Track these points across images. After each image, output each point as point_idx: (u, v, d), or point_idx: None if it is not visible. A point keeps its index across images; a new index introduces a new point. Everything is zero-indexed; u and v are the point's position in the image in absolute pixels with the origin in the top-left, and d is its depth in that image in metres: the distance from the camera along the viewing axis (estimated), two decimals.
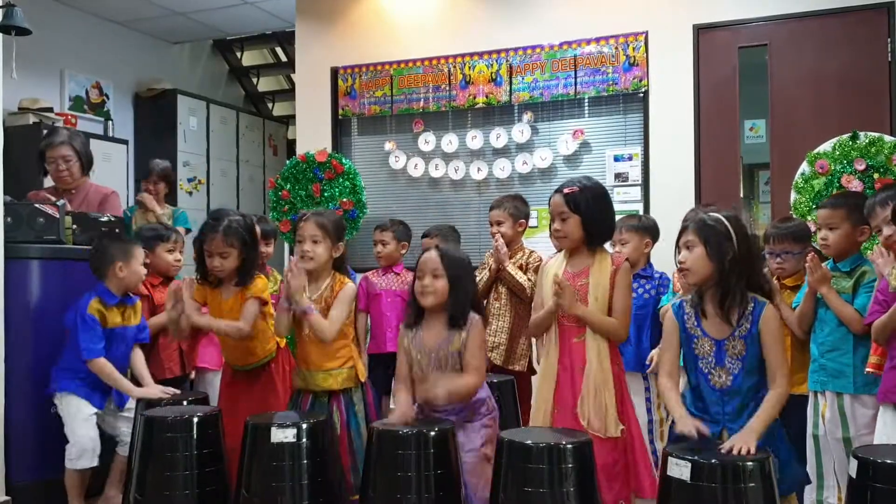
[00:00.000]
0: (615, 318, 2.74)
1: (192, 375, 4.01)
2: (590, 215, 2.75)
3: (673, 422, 2.54)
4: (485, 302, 3.99)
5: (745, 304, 2.45)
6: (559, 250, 2.96)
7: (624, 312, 2.74)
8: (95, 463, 3.48)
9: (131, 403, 3.61)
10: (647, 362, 3.60)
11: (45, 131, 5.06)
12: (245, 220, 3.26)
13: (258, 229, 4.05)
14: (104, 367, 3.42)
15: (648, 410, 3.68)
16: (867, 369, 2.86)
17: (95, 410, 3.50)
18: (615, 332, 2.74)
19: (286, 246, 5.72)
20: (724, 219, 2.50)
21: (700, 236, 2.48)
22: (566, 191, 2.78)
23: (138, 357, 3.61)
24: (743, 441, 2.26)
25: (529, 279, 3.81)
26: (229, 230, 3.16)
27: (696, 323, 2.53)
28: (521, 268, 3.89)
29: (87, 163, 4.38)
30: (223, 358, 3.44)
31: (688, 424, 2.37)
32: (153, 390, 3.46)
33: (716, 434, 2.46)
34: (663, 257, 4.07)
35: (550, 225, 2.85)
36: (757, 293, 2.49)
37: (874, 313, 2.74)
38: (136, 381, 3.55)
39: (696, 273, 2.49)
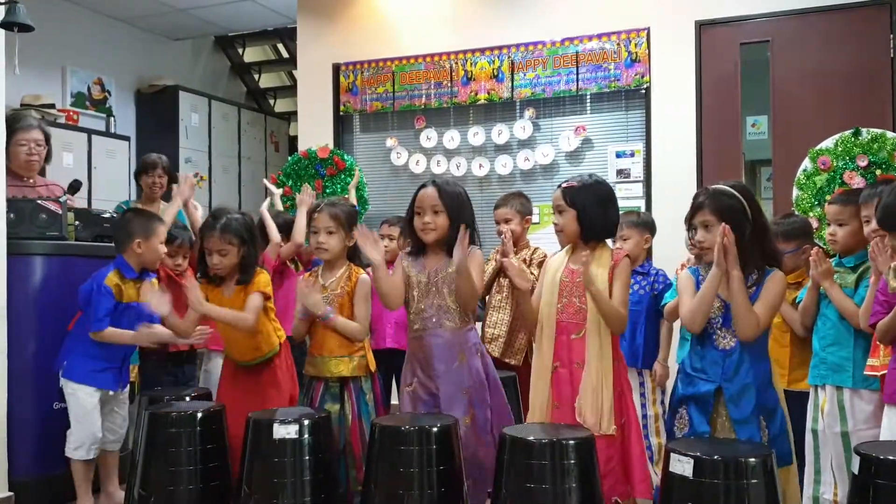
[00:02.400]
0: None
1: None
2: (585, 210, 2.76)
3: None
4: (486, 296, 4.02)
5: (760, 274, 2.52)
6: (562, 246, 2.97)
7: (622, 305, 2.73)
8: (92, 456, 3.49)
9: (125, 396, 3.64)
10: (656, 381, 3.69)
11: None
12: (244, 218, 3.28)
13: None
14: (111, 335, 3.42)
15: (643, 406, 3.69)
16: (866, 372, 2.87)
17: (101, 395, 3.49)
18: (617, 318, 2.70)
19: None
20: (736, 192, 2.54)
21: (718, 215, 2.53)
22: (565, 185, 2.83)
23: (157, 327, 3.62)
24: None
25: (532, 273, 3.83)
26: (227, 228, 3.17)
27: None
28: (524, 262, 3.92)
29: (50, 152, 4.24)
30: (225, 353, 3.43)
31: None
32: (158, 331, 3.43)
33: (710, 392, 2.52)
34: (664, 253, 4.09)
35: None
36: (770, 262, 2.54)
37: (877, 314, 2.75)
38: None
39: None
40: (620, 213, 3.79)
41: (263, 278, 3.27)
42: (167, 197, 4.92)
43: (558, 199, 2.81)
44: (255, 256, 3.31)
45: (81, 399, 3.46)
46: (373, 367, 3.19)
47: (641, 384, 3.72)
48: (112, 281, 3.45)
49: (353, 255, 3.20)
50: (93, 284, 3.45)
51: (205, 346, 3.92)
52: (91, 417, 3.47)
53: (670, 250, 3.89)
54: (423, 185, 2.95)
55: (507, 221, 4.01)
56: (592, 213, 2.77)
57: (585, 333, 2.72)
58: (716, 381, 2.53)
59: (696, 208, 2.61)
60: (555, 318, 2.77)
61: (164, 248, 3.63)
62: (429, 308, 2.89)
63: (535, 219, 5.21)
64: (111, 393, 3.54)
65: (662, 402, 3.70)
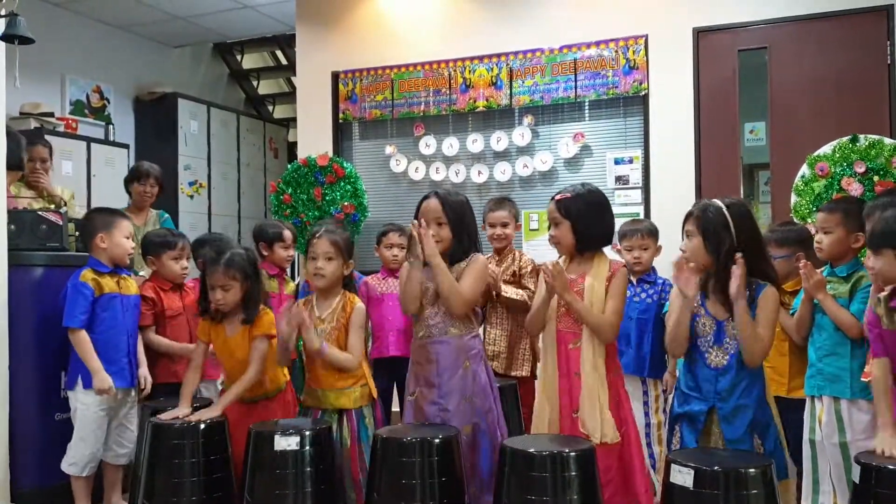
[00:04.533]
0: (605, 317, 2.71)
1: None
2: (580, 221, 2.76)
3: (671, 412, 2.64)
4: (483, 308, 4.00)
5: (752, 291, 2.50)
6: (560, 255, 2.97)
7: (614, 313, 2.71)
8: (87, 473, 3.48)
9: (134, 410, 3.63)
10: (663, 387, 3.69)
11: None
12: (248, 254, 3.26)
13: (288, 233, 4.19)
14: (83, 340, 3.41)
15: (646, 414, 3.71)
16: (863, 378, 2.86)
17: (110, 403, 3.48)
18: (601, 327, 2.69)
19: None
20: (724, 208, 2.56)
21: (698, 227, 2.58)
22: (558, 197, 2.81)
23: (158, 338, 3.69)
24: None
25: (527, 287, 3.81)
26: (231, 263, 3.13)
27: (700, 301, 2.61)
28: (513, 274, 3.88)
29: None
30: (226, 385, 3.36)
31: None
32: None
33: (703, 411, 2.54)
34: (664, 260, 4.09)
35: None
36: (761, 279, 2.54)
37: (875, 351, 2.68)
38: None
39: (695, 262, 2.59)
40: (626, 220, 3.79)
41: (268, 319, 3.20)
42: (157, 205, 5.00)
43: (553, 212, 2.81)
44: (259, 293, 3.24)
45: (91, 411, 3.44)
46: (374, 394, 3.14)
47: (645, 392, 3.73)
48: (88, 277, 3.45)
49: (349, 284, 3.16)
50: (68, 284, 3.47)
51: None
52: (96, 435, 3.47)
53: (669, 257, 3.88)
54: (427, 196, 2.95)
55: (504, 226, 3.96)
56: (587, 222, 2.77)
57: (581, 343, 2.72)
58: (710, 400, 2.54)
59: (685, 217, 2.66)
60: (555, 328, 2.78)
61: (130, 243, 3.61)
62: (434, 315, 2.89)
63: (534, 225, 5.24)
64: (120, 396, 3.52)
65: (665, 411, 3.71)
